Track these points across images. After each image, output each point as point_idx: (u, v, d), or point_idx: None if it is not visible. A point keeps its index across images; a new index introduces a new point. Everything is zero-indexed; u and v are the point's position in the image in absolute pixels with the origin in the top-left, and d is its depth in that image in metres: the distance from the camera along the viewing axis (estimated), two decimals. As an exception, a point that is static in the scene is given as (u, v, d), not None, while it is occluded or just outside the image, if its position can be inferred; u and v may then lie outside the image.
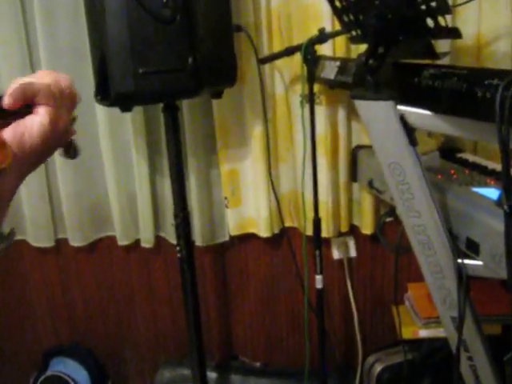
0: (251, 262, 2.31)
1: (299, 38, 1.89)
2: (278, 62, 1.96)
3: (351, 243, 2.22)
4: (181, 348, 2.36)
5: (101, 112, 2.05)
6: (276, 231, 2.17)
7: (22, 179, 0.73)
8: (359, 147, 2.01)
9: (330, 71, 1.73)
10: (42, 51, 1.99)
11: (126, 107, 1.63)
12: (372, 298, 2.31)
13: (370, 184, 1.86)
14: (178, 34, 1.52)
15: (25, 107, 0.73)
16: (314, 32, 1.79)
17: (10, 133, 0.71)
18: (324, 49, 1.85)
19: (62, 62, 2.00)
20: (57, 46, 2.00)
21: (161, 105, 1.79)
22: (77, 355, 2.40)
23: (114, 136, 2.09)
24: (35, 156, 0.72)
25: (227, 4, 1.67)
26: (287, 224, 2.17)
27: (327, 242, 2.17)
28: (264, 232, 2.14)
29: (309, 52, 1.72)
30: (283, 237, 2.22)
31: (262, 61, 1.88)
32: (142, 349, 2.46)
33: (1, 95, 0.72)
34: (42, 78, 0.75)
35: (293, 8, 1.94)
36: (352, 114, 2.01)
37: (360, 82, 1.53)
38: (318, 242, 1.89)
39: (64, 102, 0.76)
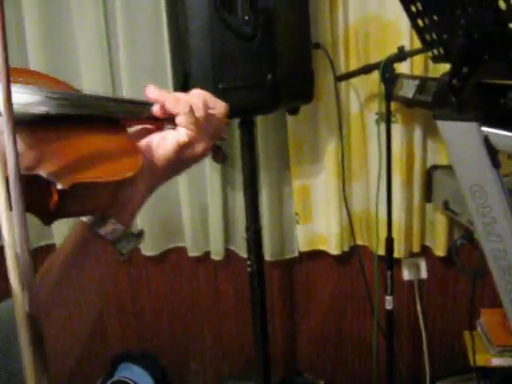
0: (319, 278, 2.29)
1: (376, 56, 1.89)
2: (354, 80, 1.96)
3: (422, 264, 2.17)
4: (245, 361, 2.37)
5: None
6: (346, 249, 2.15)
7: (152, 190, 0.74)
8: (435, 167, 1.97)
9: (408, 90, 1.71)
10: (122, 65, 2.06)
11: (204, 121, 1.66)
12: (442, 321, 2.25)
13: (446, 205, 1.83)
14: (258, 50, 1.54)
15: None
16: (392, 50, 1.78)
17: (147, 143, 0.73)
18: (401, 67, 1.83)
19: (142, 77, 2.05)
20: (138, 62, 2.05)
21: (236, 119, 1.82)
22: (143, 362, 2.45)
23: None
24: (169, 170, 0.74)
25: (307, 21, 1.68)
26: (357, 242, 2.15)
27: (398, 262, 2.13)
28: (334, 249, 2.12)
29: (387, 70, 1.70)
30: (352, 255, 2.19)
31: (340, 78, 1.88)
32: (207, 360, 2.48)
33: (148, 102, 0.74)
34: (196, 97, 0.75)
35: (371, 25, 1.94)
36: (428, 133, 1.98)
37: (441, 102, 1.51)
38: (390, 262, 1.87)
39: (209, 128, 0.75)
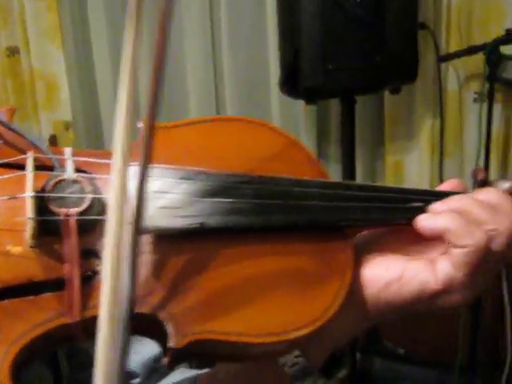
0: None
1: (479, 36, 1.89)
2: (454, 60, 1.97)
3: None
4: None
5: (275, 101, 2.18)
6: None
7: (360, 327, 0.54)
8: (532, 148, 1.98)
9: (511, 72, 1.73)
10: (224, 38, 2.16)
11: (311, 100, 1.74)
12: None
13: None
14: (367, 32, 1.59)
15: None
16: (495, 30, 1.79)
17: (373, 269, 0.51)
18: (506, 47, 1.82)
19: (243, 50, 2.15)
20: (239, 36, 2.15)
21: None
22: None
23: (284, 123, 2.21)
24: (392, 313, 0.53)
25: (415, 2, 1.71)
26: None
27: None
28: (423, 224, 2.16)
29: (493, 52, 1.72)
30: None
31: (443, 59, 1.89)
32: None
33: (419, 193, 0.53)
34: (499, 219, 0.48)
35: (475, 5, 1.94)
36: (527, 114, 1.99)
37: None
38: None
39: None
